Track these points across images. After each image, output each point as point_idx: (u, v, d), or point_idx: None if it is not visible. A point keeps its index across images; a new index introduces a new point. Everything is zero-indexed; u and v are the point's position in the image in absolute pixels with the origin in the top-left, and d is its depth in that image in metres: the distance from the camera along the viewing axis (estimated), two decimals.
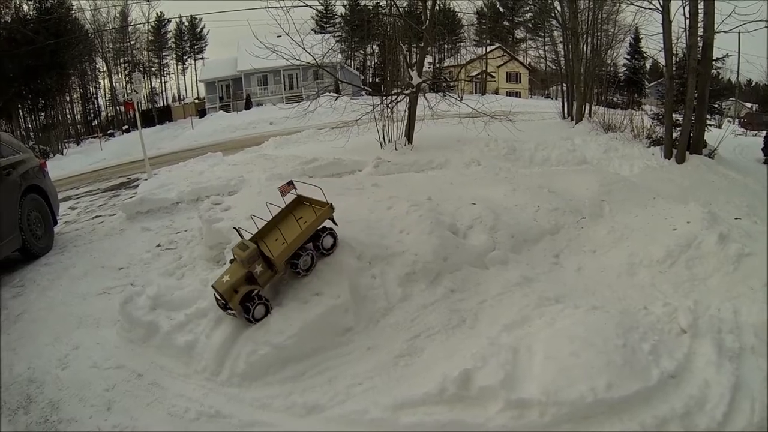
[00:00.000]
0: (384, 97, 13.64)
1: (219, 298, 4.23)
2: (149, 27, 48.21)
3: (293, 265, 4.46)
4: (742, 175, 11.84)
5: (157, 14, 48.83)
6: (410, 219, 5.45)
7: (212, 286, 4.24)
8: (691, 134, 12.28)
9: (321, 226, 4.66)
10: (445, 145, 13.13)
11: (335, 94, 15.14)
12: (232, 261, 4.41)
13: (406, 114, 13.63)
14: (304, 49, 12.36)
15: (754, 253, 5.15)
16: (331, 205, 4.66)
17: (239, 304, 4.11)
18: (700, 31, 11.73)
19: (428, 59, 19.00)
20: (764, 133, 18.04)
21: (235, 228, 4.25)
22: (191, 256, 6.65)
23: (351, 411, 3.47)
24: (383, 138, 13.56)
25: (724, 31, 11.73)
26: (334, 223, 4.76)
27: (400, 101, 13.57)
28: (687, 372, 3.41)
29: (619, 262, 5.46)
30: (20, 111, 34.37)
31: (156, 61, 50.86)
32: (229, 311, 4.26)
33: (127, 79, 45.31)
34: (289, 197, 4.91)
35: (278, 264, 4.32)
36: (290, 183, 4.71)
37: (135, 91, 14.73)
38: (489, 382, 3.29)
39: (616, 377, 3.21)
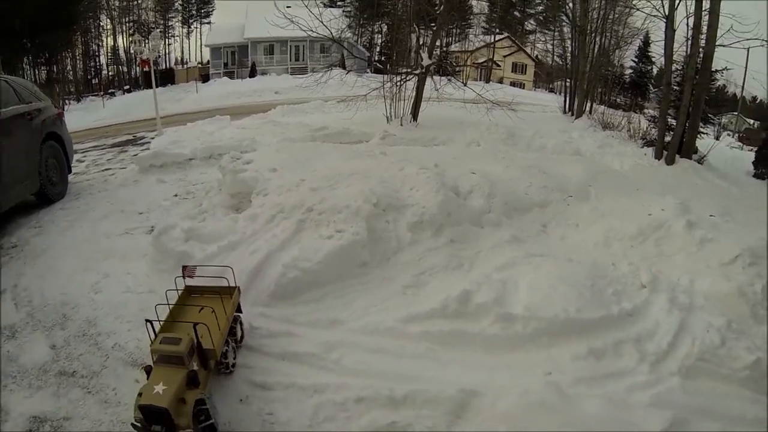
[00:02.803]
0: (394, 75, 14.12)
1: (148, 419, 2.98)
2: None
3: (219, 362, 3.59)
4: (728, 183, 12.44)
5: None
6: (419, 179, 6.17)
7: (138, 405, 2.98)
8: (684, 139, 12.86)
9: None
10: (448, 125, 13.63)
11: (344, 70, 15.54)
12: (147, 367, 3.26)
13: (414, 93, 14.10)
14: (321, 22, 12.82)
15: (716, 240, 5.78)
16: (239, 288, 4.12)
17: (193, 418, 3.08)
18: (703, 43, 12.29)
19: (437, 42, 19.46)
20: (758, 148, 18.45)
21: (147, 320, 3.32)
22: (211, 203, 7.09)
23: (367, 323, 4.19)
24: (389, 113, 14.04)
25: (723, 45, 12.32)
26: (240, 310, 4.12)
27: (409, 80, 14.06)
28: (642, 313, 4.22)
29: (597, 235, 6.12)
30: (23, 65, 34.19)
31: (161, 22, 50.47)
32: None
33: (130, 39, 45.13)
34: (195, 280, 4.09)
35: (215, 357, 3.48)
36: (185, 268, 3.98)
37: (152, 49, 15.07)
38: (483, 300, 4.12)
39: (584, 305, 4.04)
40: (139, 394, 3.06)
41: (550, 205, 6.88)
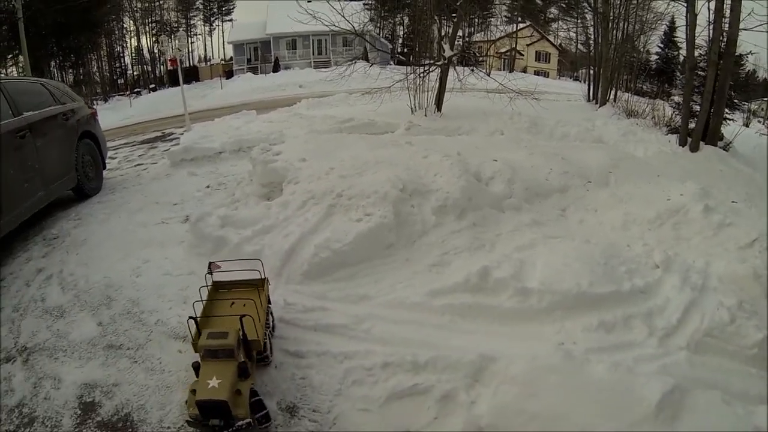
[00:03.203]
0: (417, 67, 14.31)
1: (205, 414, 3.00)
2: None
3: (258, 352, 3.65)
4: (752, 169, 12.29)
5: None
6: (443, 166, 6.48)
7: (195, 402, 2.97)
8: (709, 126, 12.82)
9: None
10: (471, 115, 13.86)
11: (367, 63, 15.75)
12: (195, 364, 3.28)
13: (437, 84, 14.29)
14: (343, 16, 13.07)
15: (735, 224, 5.95)
16: (268, 279, 4.15)
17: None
18: (726, 27, 12.19)
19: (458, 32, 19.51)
20: None
21: (191, 317, 3.31)
22: (243, 192, 7.47)
23: (394, 298, 4.51)
24: (414, 104, 14.25)
25: (746, 29, 12.18)
26: (269, 301, 4.17)
27: (432, 71, 14.25)
28: (654, 291, 4.42)
29: (615, 220, 6.33)
30: (51, 68, 35.01)
31: (183, 21, 51.20)
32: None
33: (154, 39, 45.96)
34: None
35: (260, 347, 3.58)
36: (211, 263, 4.00)
37: (179, 48, 15.60)
38: (502, 275, 4.42)
39: (597, 280, 4.30)
40: (192, 392, 3.06)
41: (570, 190, 7.09)
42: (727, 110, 14.36)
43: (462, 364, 3.53)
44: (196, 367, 3.25)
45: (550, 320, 4.11)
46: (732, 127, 14.75)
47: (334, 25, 13.09)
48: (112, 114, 27.33)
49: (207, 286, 3.93)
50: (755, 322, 4.08)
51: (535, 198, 6.70)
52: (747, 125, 22.31)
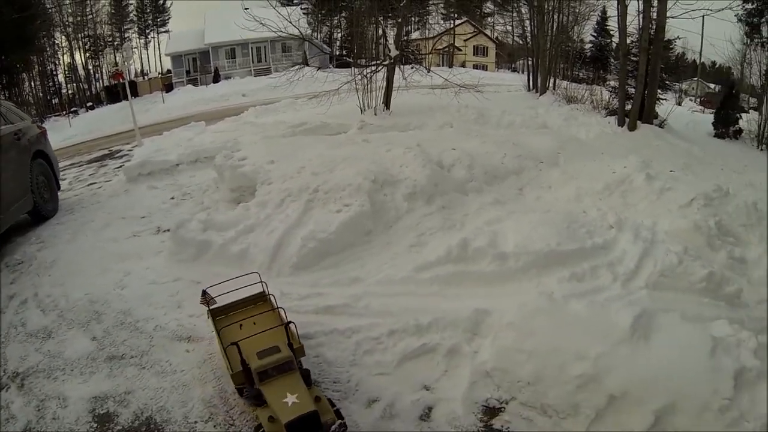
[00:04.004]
0: (364, 68, 14.65)
1: (302, 428, 2.87)
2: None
3: None
4: (688, 143, 13.43)
5: None
6: (406, 157, 6.95)
7: (285, 425, 2.83)
8: (644, 106, 13.83)
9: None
10: (419, 111, 14.25)
11: (313, 66, 15.92)
12: (255, 391, 3.17)
13: (384, 83, 14.67)
14: (290, 22, 13.27)
15: (675, 188, 6.73)
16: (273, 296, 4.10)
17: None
18: (654, 15, 13.21)
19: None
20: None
21: (233, 343, 3.24)
22: (212, 200, 7.60)
23: (384, 277, 4.94)
24: (363, 104, 14.60)
25: (673, 17, 13.50)
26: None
27: (378, 71, 14.62)
28: (611, 246, 5.08)
29: (569, 193, 7.02)
30: None
31: (117, 35, 49.54)
32: None
33: (88, 54, 44.31)
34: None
35: (303, 353, 3.55)
36: (204, 293, 3.99)
37: (125, 61, 15.31)
38: (479, 244, 4.97)
39: (563, 241, 4.91)
40: (270, 419, 2.92)
41: (524, 171, 7.75)
42: (660, 91, 15.52)
43: (460, 321, 4.00)
44: (257, 395, 3.11)
45: (528, 277, 4.67)
46: (665, 106, 15.91)
47: (281, 31, 13.26)
48: (52, 135, 25.49)
49: (210, 313, 3.92)
50: (700, 262, 4.79)
51: (494, 180, 7.33)
52: (680, 104, 23.83)
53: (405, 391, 3.74)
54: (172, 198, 8.24)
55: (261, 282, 4.10)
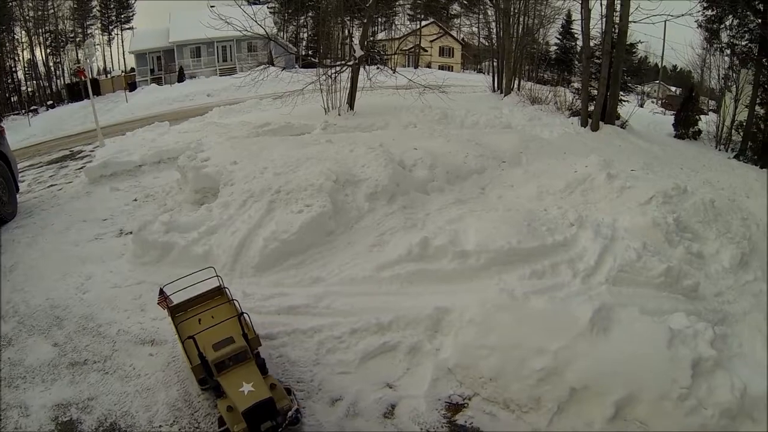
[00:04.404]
0: (329, 68, 14.60)
1: (254, 421, 3.02)
2: None
3: None
4: (648, 143, 13.67)
5: None
6: (369, 157, 6.95)
7: (242, 413, 2.99)
8: (606, 108, 14.10)
9: None
10: (383, 111, 14.29)
11: (278, 66, 15.80)
12: (203, 379, 3.39)
13: (348, 84, 14.65)
14: (255, 21, 13.14)
15: (634, 187, 6.88)
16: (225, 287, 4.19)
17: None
18: (617, 20, 13.54)
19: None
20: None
21: (189, 336, 3.35)
22: (175, 201, 7.50)
23: (345, 276, 4.96)
24: (327, 105, 14.55)
25: (635, 21, 13.85)
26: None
27: (343, 71, 14.59)
28: (572, 243, 5.20)
29: (531, 192, 7.09)
30: None
31: (80, 31, 48.00)
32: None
33: (49, 50, 42.96)
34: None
35: (257, 345, 3.62)
36: (161, 293, 4.05)
37: (87, 58, 14.85)
38: (440, 242, 5.00)
39: (523, 238, 4.99)
40: (229, 409, 3.06)
41: (487, 171, 7.83)
42: (622, 93, 15.87)
43: (421, 319, 4.04)
44: (217, 386, 3.24)
45: (489, 275, 4.74)
46: (628, 108, 16.28)
47: (246, 30, 13.12)
48: (11, 134, 24.75)
49: (169, 310, 3.95)
50: (658, 258, 4.96)
51: (456, 180, 7.40)
52: (642, 106, 24.39)
53: (368, 389, 3.77)
54: (135, 199, 8.09)
55: (216, 276, 4.12)
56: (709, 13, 15.78)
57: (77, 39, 43.56)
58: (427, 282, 4.75)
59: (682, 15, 14.50)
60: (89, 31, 47.24)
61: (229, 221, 5.83)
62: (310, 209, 5.74)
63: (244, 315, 3.47)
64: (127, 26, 49.80)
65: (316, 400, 3.69)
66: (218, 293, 4.14)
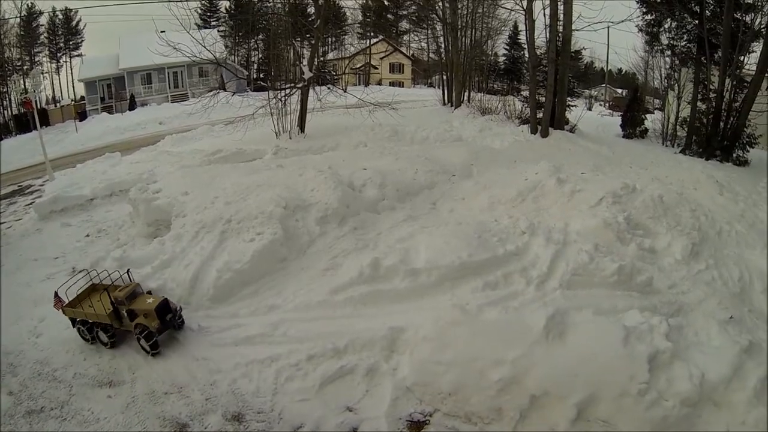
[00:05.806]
0: (278, 91, 14.59)
1: (163, 310, 4.71)
2: (19, 20, 43.67)
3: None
4: (597, 145, 14.04)
5: (27, 5, 44.32)
6: (317, 180, 6.96)
7: (155, 309, 4.63)
8: (555, 114, 14.45)
9: None
10: (334, 132, 14.36)
11: (226, 92, 15.70)
12: (112, 313, 4.74)
13: (298, 106, 14.66)
14: (204, 46, 13.05)
15: (584, 189, 7.03)
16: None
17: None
18: (561, 28, 14.02)
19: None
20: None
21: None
22: (128, 235, 7.38)
23: (300, 302, 4.97)
24: (278, 129, 14.55)
25: (578, 30, 14.34)
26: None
27: (292, 94, 14.59)
28: (524, 251, 5.31)
29: (482, 203, 7.17)
30: None
31: (27, 58, 46.34)
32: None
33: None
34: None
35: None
36: (56, 295, 5.12)
37: (34, 89, 14.38)
38: (391, 262, 5.07)
39: (474, 251, 5.08)
40: (145, 316, 4.63)
41: (437, 185, 7.92)
42: (570, 98, 16.28)
43: (377, 340, 4.10)
44: (130, 312, 4.73)
45: (442, 291, 4.82)
46: (576, 112, 16.74)
47: (195, 56, 13.01)
48: None
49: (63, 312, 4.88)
50: (610, 258, 5.12)
51: (407, 197, 7.46)
52: (590, 109, 25.06)
53: (329, 414, 3.80)
54: (87, 235, 7.92)
55: (98, 276, 5.25)
56: (648, 17, 16.41)
57: (24, 67, 42.15)
58: (381, 302, 4.82)
59: (623, 21, 15.15)
60: (37, 59, 45.67)
61: (182, 254, 5.80)
62: (262, 237, 5.75)
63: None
64: (75, 53, 48.20)
65: (278, 429, 3.71)
66: (98, 288, 5.18)
